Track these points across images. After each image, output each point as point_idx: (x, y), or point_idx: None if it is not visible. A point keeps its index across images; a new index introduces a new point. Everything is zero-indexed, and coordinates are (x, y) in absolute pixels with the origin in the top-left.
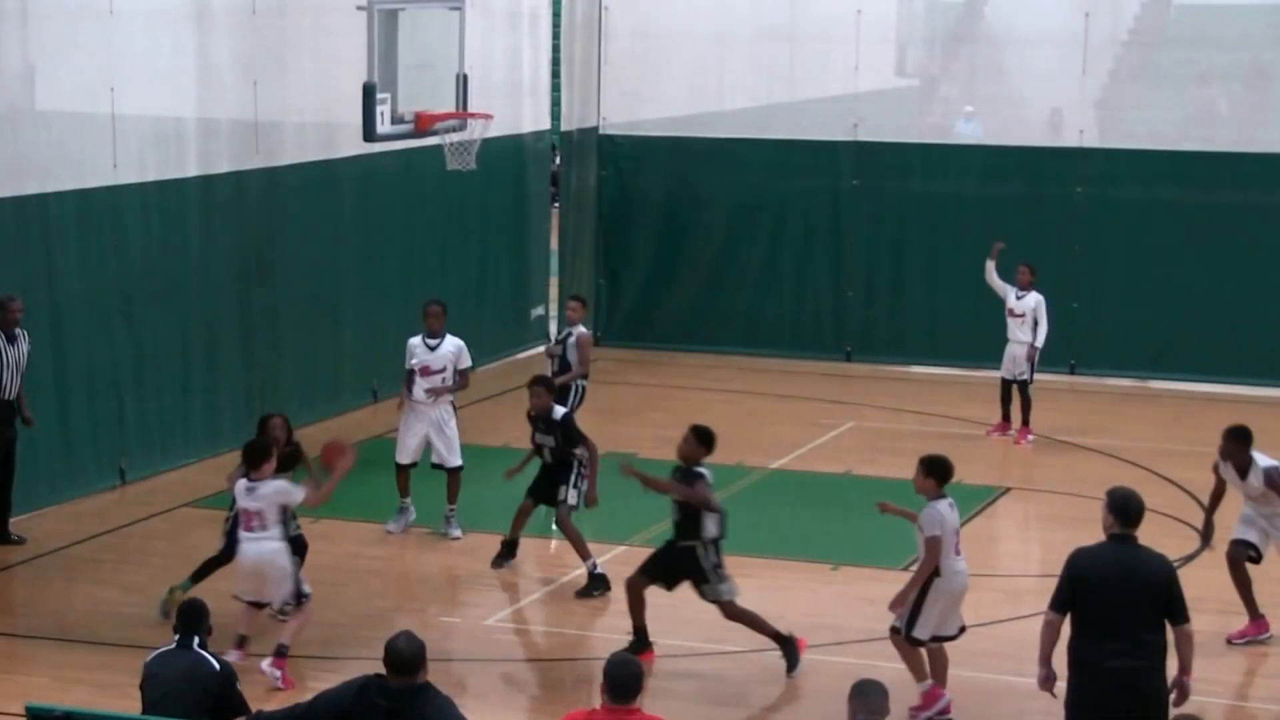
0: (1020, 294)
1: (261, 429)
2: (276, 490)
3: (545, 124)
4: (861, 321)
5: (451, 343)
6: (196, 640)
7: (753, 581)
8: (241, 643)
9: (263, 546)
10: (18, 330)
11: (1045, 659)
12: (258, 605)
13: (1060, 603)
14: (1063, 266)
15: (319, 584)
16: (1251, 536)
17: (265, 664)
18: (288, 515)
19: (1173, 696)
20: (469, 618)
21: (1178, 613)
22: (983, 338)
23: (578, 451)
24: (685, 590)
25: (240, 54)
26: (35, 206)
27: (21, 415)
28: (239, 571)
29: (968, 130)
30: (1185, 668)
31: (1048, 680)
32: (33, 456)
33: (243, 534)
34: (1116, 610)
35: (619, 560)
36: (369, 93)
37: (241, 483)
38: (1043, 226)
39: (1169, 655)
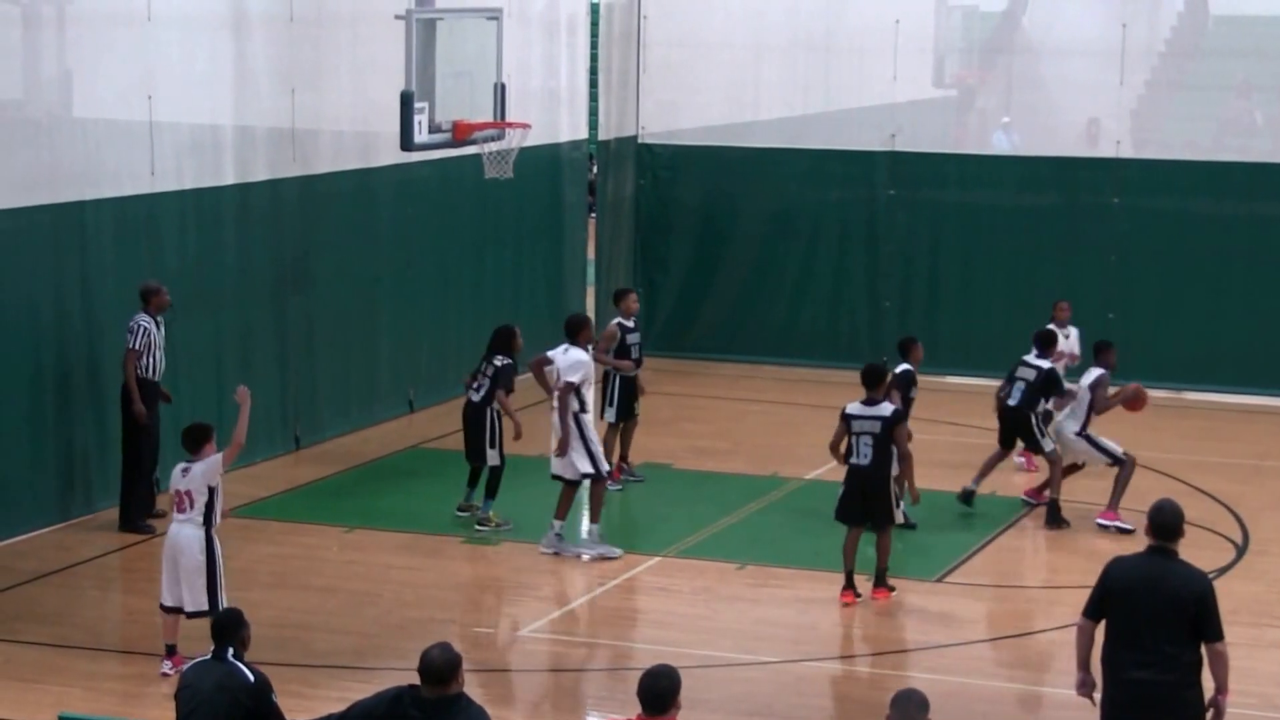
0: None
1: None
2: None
3: (583, 133)
4: (897, 332)
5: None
6: (231, 651)
7: (787, 592)
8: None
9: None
10: (160, 317)
11: (1082, 664)
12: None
13: (1091, 609)
14: (1099, 277)
15: (352, 593)
16: None
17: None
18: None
19: (1209, 715)
20: (503, 628)
21: (1209, 631)
22: (1018, 349)
23: None
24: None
25: (278, 62)
26: (73, 214)
27: (161, 394)
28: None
29: (1004, 141)
30: (1220, 687)
31: (1084, 685)
32: (68, 466)
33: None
34: (1140, 621)
35: (653, 571)
36: (407, 102)
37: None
38: (1079, 237)
39: (1204, 670)
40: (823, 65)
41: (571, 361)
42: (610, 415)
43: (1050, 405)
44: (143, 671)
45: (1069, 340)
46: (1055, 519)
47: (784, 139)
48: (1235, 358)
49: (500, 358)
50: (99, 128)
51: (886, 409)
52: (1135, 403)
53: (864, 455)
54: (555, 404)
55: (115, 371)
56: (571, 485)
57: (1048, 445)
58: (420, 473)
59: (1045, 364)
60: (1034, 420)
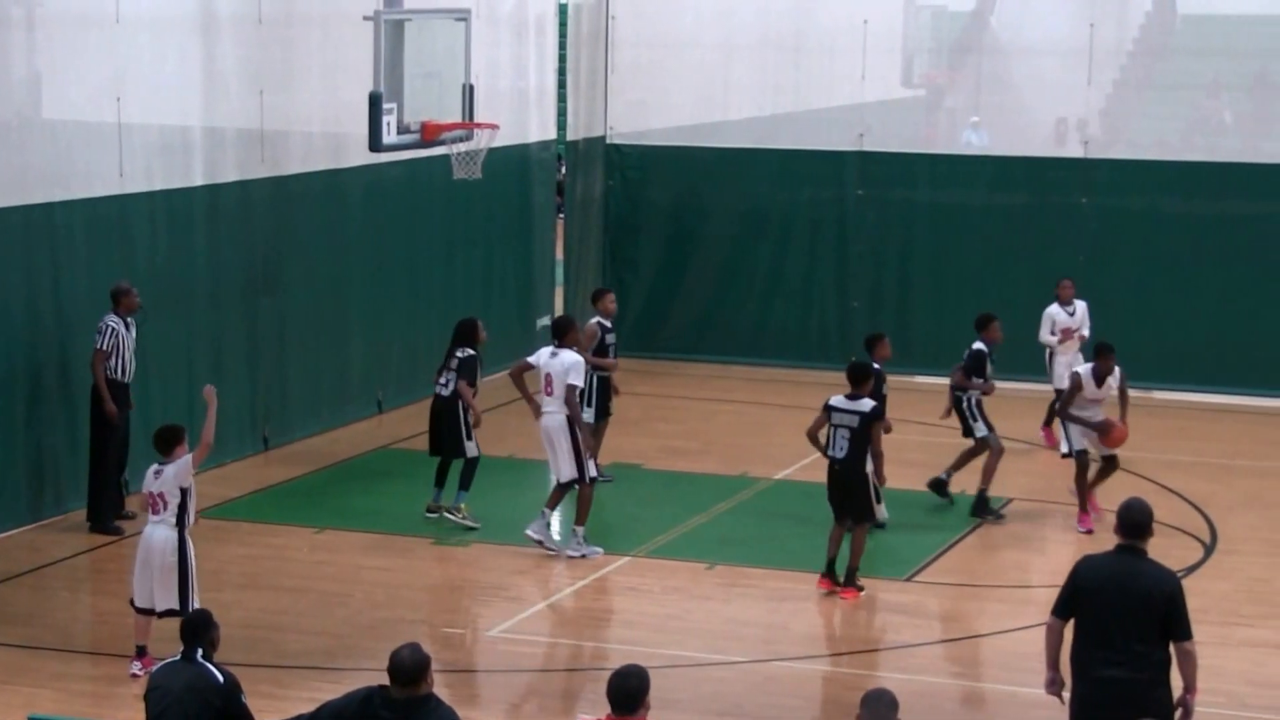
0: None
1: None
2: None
3: (551, 134)
4: (867, 331)
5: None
6: (200, 652)
7: (757, 592)
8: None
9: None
10: (130, 318)
11: (1051, 663)
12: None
13: (1060, 607)
14: (1068, 276)
15: (323, 594)
16: None
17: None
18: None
19: (1177, 714)
20: (473, 629)
21: (1177, 630)
22: None
23: None
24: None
25: (247, 63)
26: (42, 216)
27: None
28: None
29: (974, 140)
30: (1188, 686)
31: (1053, 684)
32: (39, 467)
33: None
34: (1109, 620)
35: (623, 571)
36: (375, 102)
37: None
38: (1048, 236)
39: (1173, 669)
40: (792, 65)
41: (570, 364)
42: (588, 415)
43: (954, 377)
44: (112, 673)
45: (1075, 316)
46: (981, 509)
47: (753, 139)
48: (1205, 357)
49: (464, 349)
50: (68, 129)
51: (866, 405)
52: (1106, 437)
53: (840, 449)
54: (546, 409)
55: (86, 373)
56: (565, 485)
57: (979, 430)
58: (390, 473)
59: (976, 345)
60: (965, 402)
